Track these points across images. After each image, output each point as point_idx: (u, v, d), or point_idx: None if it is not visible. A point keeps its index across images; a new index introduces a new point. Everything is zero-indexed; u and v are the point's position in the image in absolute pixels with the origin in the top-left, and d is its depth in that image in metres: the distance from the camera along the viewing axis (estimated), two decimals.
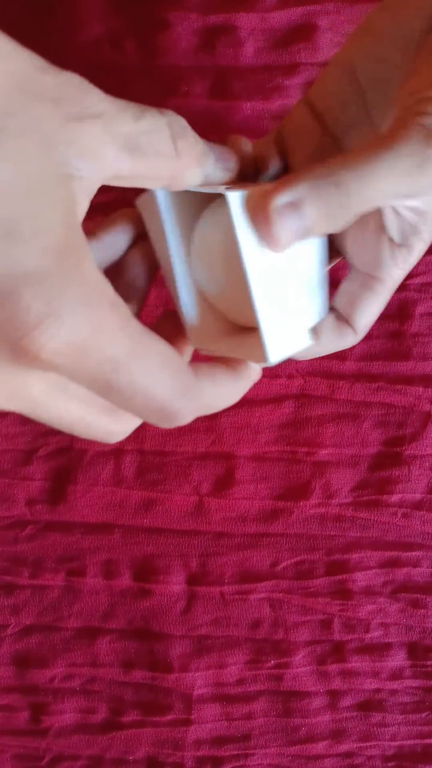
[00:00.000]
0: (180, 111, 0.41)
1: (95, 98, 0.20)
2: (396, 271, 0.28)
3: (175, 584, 0.41)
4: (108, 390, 0.20)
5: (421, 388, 0.40)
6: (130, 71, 0.41)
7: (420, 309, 0.40)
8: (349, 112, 0.27)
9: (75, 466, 0.41)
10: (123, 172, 0.21)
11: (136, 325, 0.20)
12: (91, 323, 0.18)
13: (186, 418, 0.22)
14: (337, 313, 0.29)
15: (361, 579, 0.41)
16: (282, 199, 0.22)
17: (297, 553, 0.41)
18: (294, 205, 0.22)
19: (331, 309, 0.29)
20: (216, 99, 0.40)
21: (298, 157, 0.28)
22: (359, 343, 0.40)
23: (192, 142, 0.23)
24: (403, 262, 0.27)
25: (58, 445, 0.41)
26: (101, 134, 0.20)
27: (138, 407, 0.21)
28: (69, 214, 0.19)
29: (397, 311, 0.40)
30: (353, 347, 0.40)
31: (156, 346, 0.20)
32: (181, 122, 0.23)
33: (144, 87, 0.41)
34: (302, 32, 0.40)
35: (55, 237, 0.18)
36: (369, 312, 0.29)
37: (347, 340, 0.29)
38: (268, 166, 0.28)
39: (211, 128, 0.41)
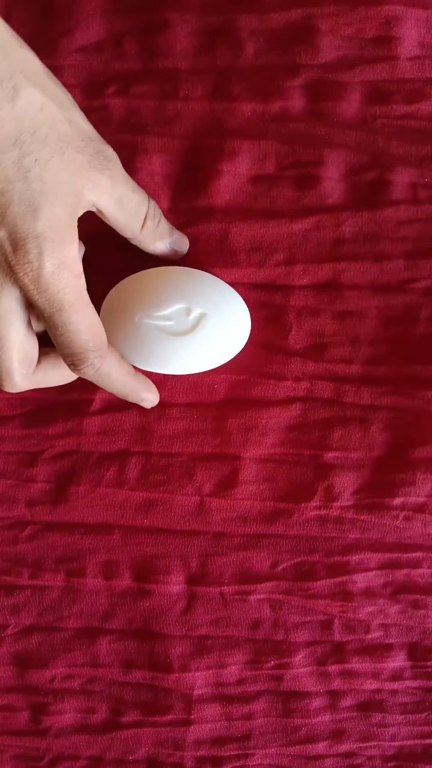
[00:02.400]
0: (180, 113, 0.42)
1: (114, 166, 0.33)
2: None
3: (175, 584, 0.41)
4: None
5: (429, 393, 0.40)
6: (130, 73, 0.41)
7: (425, 313, 0.40)
8: None
9: (80, 467, 0.41)
10: (107, 213, 0.34)
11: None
12: None
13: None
14: None
15: (361, 580, 0.41)
16: None
17: (297, 554, 0.41)
18: None
19: None
20: (216, 100, 0.41)
21: None
22: (365, 347, 0.40)
23: (155, 224, 0.37)
24: None
25: (64, 447, 0.41)
26: (108, 186, 0.33)
27: None
28: (72, 213, 0.32)
29: (402, 315, 0.40)
30: (359, 351, 0.40)
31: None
32: (158, 209, 0.37)
33: (144, 88, 0.41)
34: (302, 34, 0.40)
35: (61, 223, 0.31)
36: None
37: None
38: None
39: (211, 129, 0.41)
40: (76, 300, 0.32)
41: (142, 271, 0.39)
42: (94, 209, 0.33)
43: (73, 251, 0.31)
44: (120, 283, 0.39)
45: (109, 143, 0.41)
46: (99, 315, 0.40)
